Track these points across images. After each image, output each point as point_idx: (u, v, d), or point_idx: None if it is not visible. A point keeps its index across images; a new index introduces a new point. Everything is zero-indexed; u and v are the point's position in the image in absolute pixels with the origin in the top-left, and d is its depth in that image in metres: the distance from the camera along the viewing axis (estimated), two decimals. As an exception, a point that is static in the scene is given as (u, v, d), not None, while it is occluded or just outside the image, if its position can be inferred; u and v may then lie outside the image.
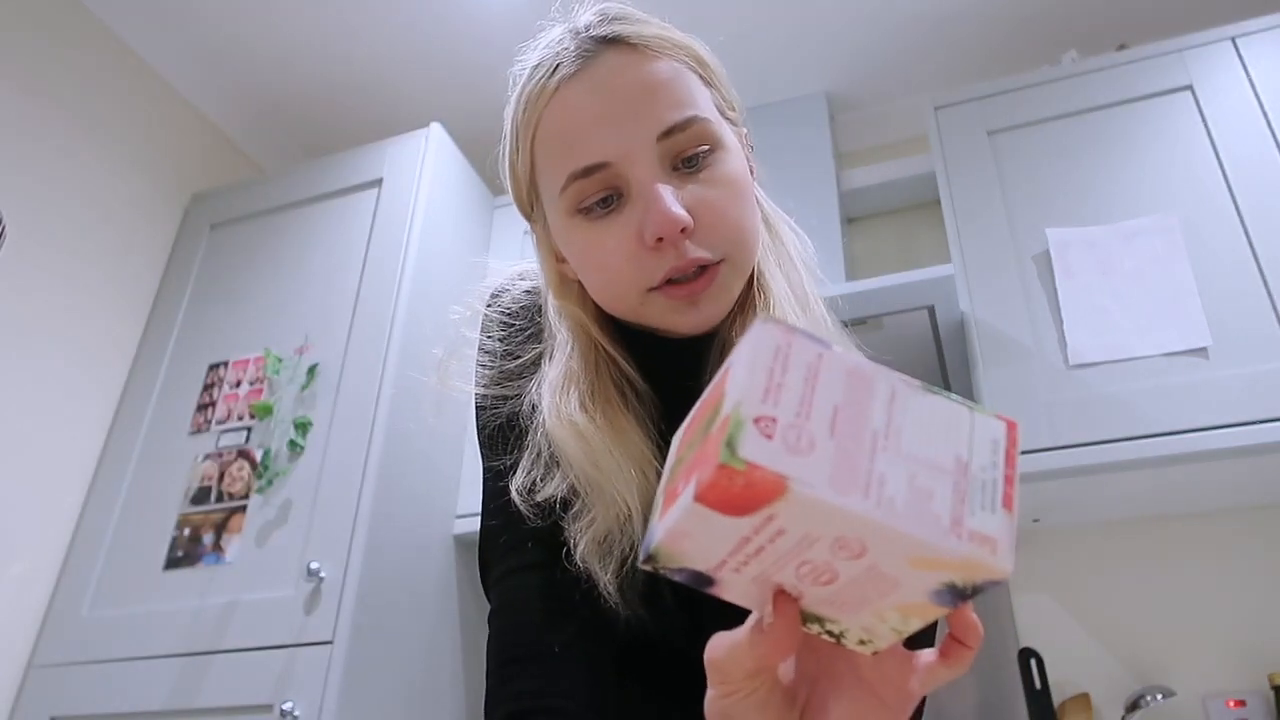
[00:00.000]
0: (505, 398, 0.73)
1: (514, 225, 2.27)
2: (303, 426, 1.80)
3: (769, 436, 0.33)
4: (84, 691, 1.68)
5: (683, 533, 0.37)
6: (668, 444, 0.64)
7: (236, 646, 1.61)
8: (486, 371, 0.75)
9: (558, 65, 0.65)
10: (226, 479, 1.81)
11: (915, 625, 0.39)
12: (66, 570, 1.85)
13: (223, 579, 1.70)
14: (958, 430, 0.37)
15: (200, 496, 1.82)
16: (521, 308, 0.78)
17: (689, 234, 0.62)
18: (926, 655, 0.45)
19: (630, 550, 0.63)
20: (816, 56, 2.34)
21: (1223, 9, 2.10)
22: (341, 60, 2.37)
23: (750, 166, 0.72)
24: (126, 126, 2.19)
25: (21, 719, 1.70)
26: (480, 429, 0.76)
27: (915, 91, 2.40)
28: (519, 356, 0.74)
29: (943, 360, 1.86)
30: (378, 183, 2.09)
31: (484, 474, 0.75)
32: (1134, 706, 1.59)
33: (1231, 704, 1.60)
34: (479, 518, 0.76)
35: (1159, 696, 1.57)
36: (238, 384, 1.94)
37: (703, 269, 0.64)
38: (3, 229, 1.84)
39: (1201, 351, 1.52)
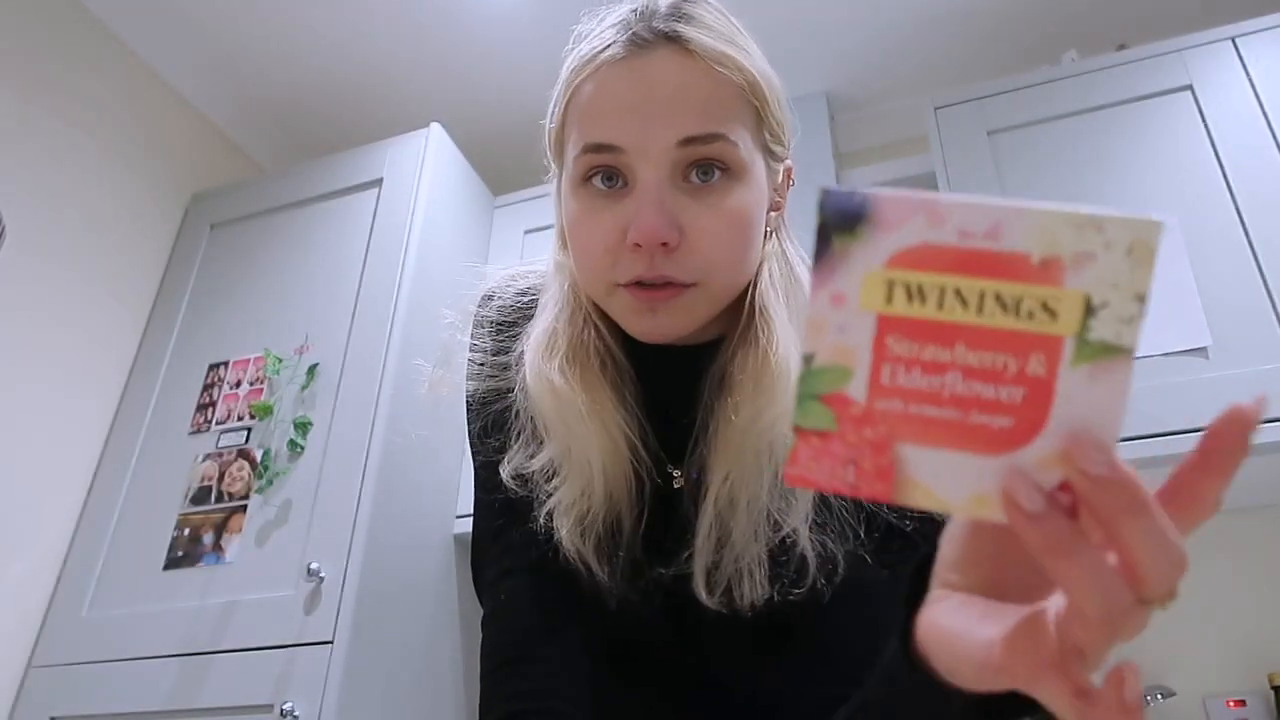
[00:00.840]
0: (497, 391, 0.74)
1: (514, 225, 2.27)
2: (303, 426, 1.80)
3: None
4: (84, 691, 1.68)
5: None
6: (648, 428, 0.66)
7: (236, 646, 1.61)
8: (478, 368, 0.76)
9: (611, 43, 0.65)
10: (226, 479, 1.81)
11: None
12: (66, 570, 1.85)
13: (223, 579, 1.70)
14: None
15: (200, 496, 1.82)
16: (513, 308, 0.78)
17: (670, 250, 0.62)
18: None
19: (600, 514, 0.65)
20: (816, 56, 2.34)
21: (1223, 9, 2.10)
22: (341, 60, 2.37)
23: (776, 203, 0.72)
24: (126, 126, 2.19)
25: (21, 719, 1.70)
26: (470, 425, 0.77)
27: (915, 91, 2.40)
28: (510, 352, 0.75)
29: (943, 360, 1.86)
30: (378, 183, 2.09)
31: (475, 473, 0.76)
32: (1134, 706, 1.59)
33: (1231, 704, 1.60)
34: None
35: (1159, 696, 1.57)
36: (238, 384, 1.94)
37: (669, 284, 0.63)
38: (2, 229, 1.84)
39: (1201, 351, 1.52)
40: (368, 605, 1.60)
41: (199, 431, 1.91)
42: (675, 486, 0.68)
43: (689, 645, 0.67)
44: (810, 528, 0.64)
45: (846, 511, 0.65)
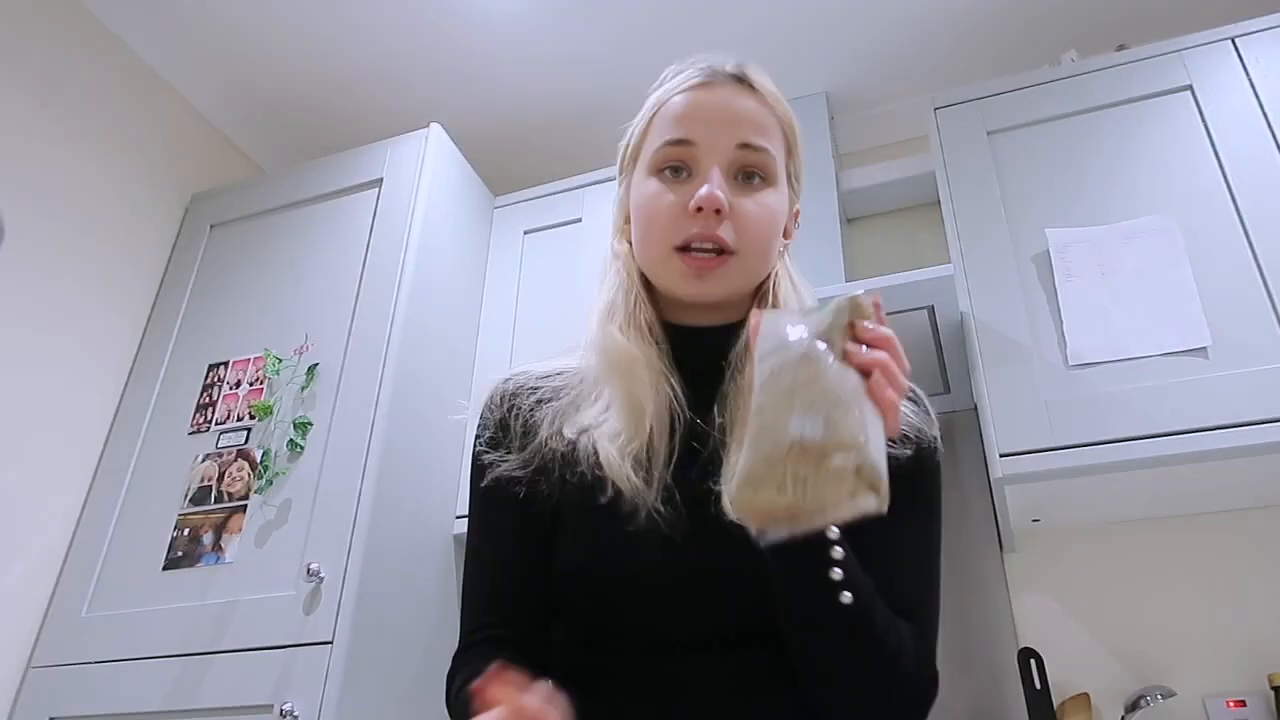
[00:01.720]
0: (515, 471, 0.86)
1: (514, 225, 2.27)
2: (303, 426, 1.80)
3: None
4: (84, 691, 1.68)
5: None
6: (681, 385, 0.82)
7: (236, 647, 1.61)
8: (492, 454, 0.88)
9: (695, 78, 0.86)
10: (226, 479, 1.81)
11: None
12: (66, 571, 1.85)
13: (222, 579, 1.70)
14: None
15: (200, 497, 1.82)
16: (534, 384, 0.90)
17: (722, 216, 0.79)
18: None
19: (644, 441, 0.78)
20: (816, 56, 2.34)
21: (1223, 9, 2.10)
22: (341, 60, 2.37)
23: (788, 229, 0.90)
24: (126, 126, 2.19)
25: (21, 719, 1.70)
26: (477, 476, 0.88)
27: (915, 91, 2.40)
28: (533, 417, 0.87)
29: (943, 360, 1.86)
30: (378, 183, 2.09)
31: (471, 525, 0.88)
32: (1134, 706, 1.59)
33: (1231, 704, 1.60)
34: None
35: (1159, 696, 1.57)
36: (238, 384, 1.94)
37: (718, 254, 0.80)
38: (2, 229, 1.83)
39: (1201, 351, 1.52)
40: (368, 605, 1.60)
41: (199, 431, 1.91)
42: (712, 428, 0.79)
43: (708, 550, 0.76)
44: None
45: None
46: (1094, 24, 2.23)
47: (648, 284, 0.87)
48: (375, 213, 2.04)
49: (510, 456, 0.84)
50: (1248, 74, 1.73)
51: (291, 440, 1.79)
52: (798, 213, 0.93)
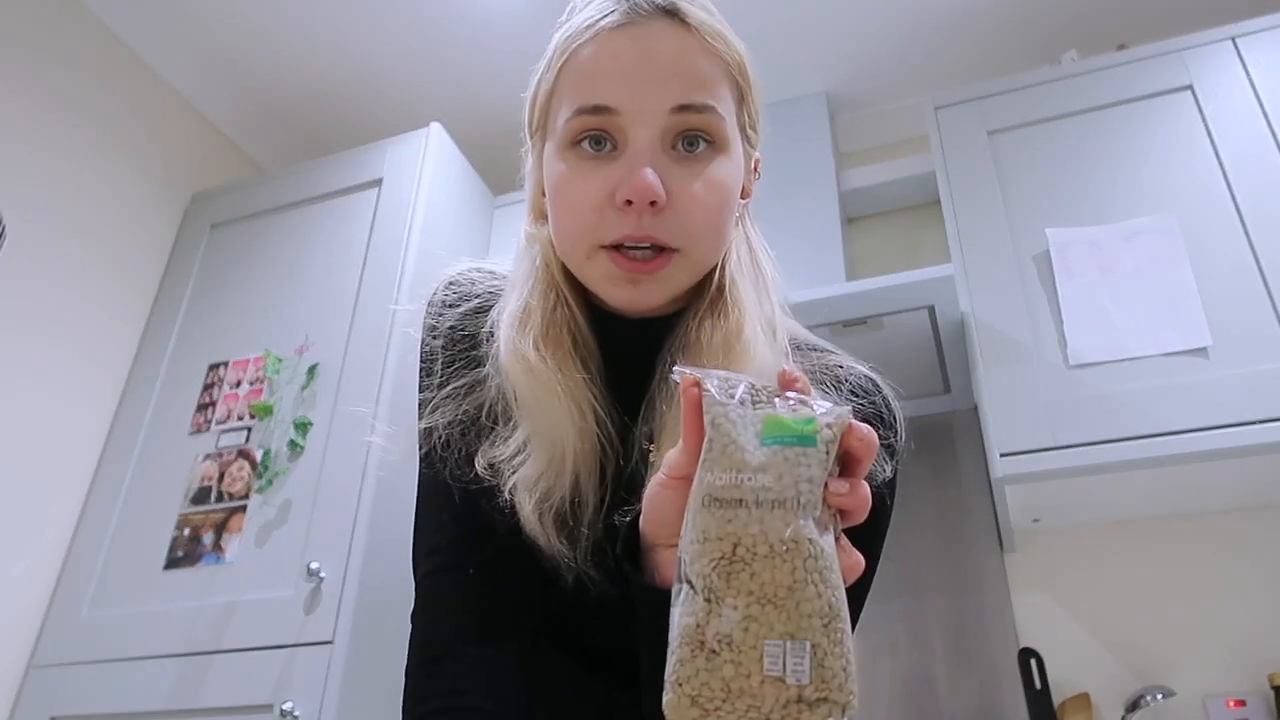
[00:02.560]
0: (460, 364, 0.75)
1: (514, 225, 2.26)
2: (303, 426, 1.80)
3: None
4: (84, 691, 1.68)
5: None
6: (609, 399, 0.67)
7: (236, 646, 1.61)
8: (439, 347, 0.78)
9: (610, 12, 0.66)
10: (226, 479, 1.81)
11: None
12: (66, 570, 1.85)
13: (223, 579, 1.70)
14: None
15: (200, 496, 1.82)
16: (484, 292, 0.78)
17: (657, 209, 0.63)
18: None
19: (566, 490, 0.66)
20: (816, 56, 2.34)
21: (1223, 9, 2.10)
22: (341, 60, 2.37)
23: (746, 188, 0.73)
24: (126, 126, 2.19)
25: (21, 719, 1.70)
26: (424, 394, 0.77)
27: (915, 91, 2.40)
28: (478, 333, 0.75)
29: (943, 360, 1.86)
30: (378, 183, 2.09)
31: (420, 464, 0.76)
32: (1134, 706, 1.59)
33: (1231, 704, 1.60)
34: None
35: (1159, 696, 1.57)
36: (238, 384, 1.94)
37: (657, 253, 0.64)
38: (3, 229, 1.84)
39: (1201, 351, 1.52)
40: (368, 605, 1.60)
41: (199, 431, 1.91)
42: (651, 459, 0.67)
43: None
44: None
45: None
46: (1094, 24, 2.23)
47: (568, 272, 0.71)
48: (375, 212, 2.04)
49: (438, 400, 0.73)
50: (1248, 74, 1.73)
51: (291, 440, 1.79)
52: (758, 163, 0.75)
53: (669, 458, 0.51)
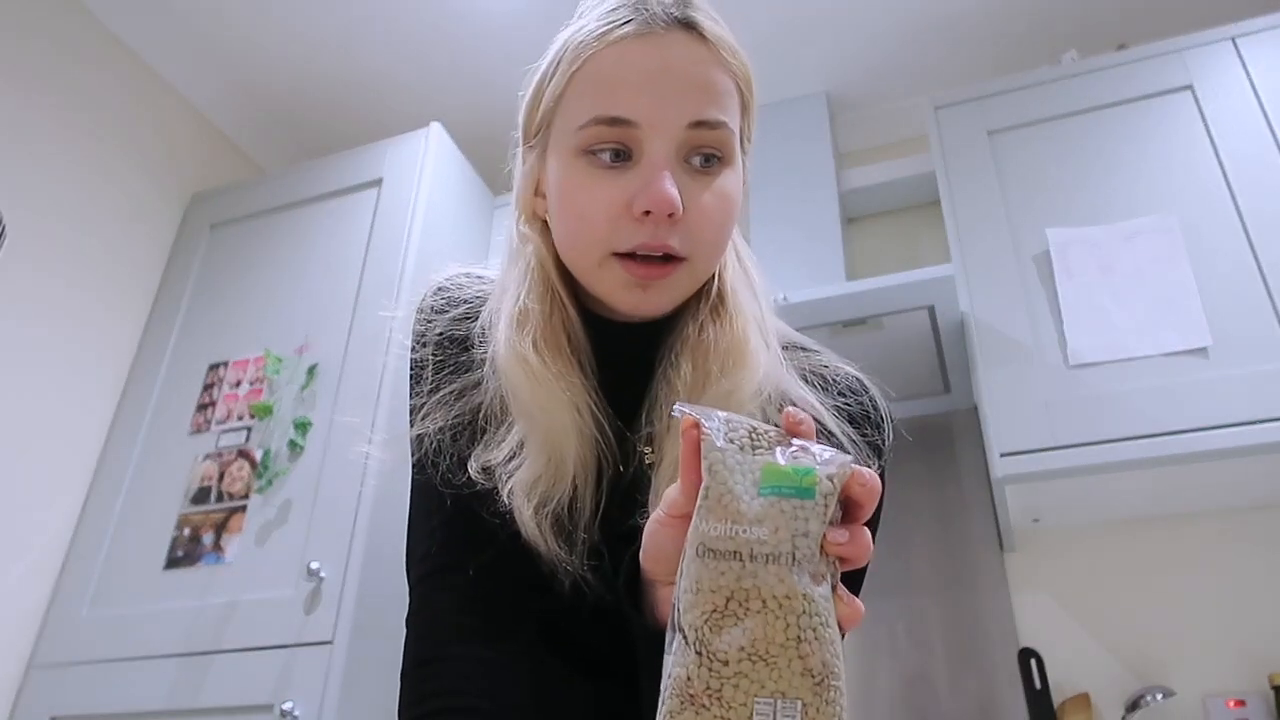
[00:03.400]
0: (450, 369, 0.75)
1: (514, 225, 2.27)
2: (303, 426, 1.80)
3: None
4: (84, 691, 1.68)
5: None
6: (605, 402, 0.69)
7: (236, 646, 1.61)
8: (429, 352, 0.77)
9: (629, 20, 0.66)
10: (226, 479, 1.81)
11: None
12: (66, 570, 1.85)
13: (223, 579, 1.70)
14: None
15: (200, 496, 1.82)
16: (473, 298, 0.78)
17: (674, 220, 0.64)
18: None
19: (564, 493, 0.66)
20: (816, 56, 2.34)
21: (1223, 9, 2.10)
22: (341, 60, 2.37)
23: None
24: (126, 126, 2.19)
25: (21, 719, 1.70)
26: (415, 400, 0.76)
27: (915, 91, 2.40)
28: (468, 338, 0.75)
29: (943, 360, 1.86)
30: (378, 183, 2.09)
31: (412, 469, 0.76)
32: (1134, 706, 1.59)
33: (1231, 704, 1.60)
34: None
35: (1159, 696, 1.57)
36: (238, 384, 1.94)
37: (666, 260, 0.65)
38: (3, 229, 1.84)
39: (1201, 351, 1.52)
40: (368, 605, 1.60)
41: (199, 431, 1.91)
42: (646, 463, 0.68)
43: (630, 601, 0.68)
44: None
45: None
46: (1094, 24, 2.23)
47: (563, 273, 0.71)
48: (375, 212, 2.04)
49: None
50: (1248, 74, 1.73)
51: (291, 440, 1.79)
52: (748, 169, 0.76)
53: (668, 495, 0.51)
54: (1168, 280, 1.59)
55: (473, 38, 2.29)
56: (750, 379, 0.67)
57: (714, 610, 0.44)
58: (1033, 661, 1.70)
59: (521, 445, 0.67)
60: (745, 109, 0.70)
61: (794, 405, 0.67)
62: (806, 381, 0.72)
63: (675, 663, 0.45)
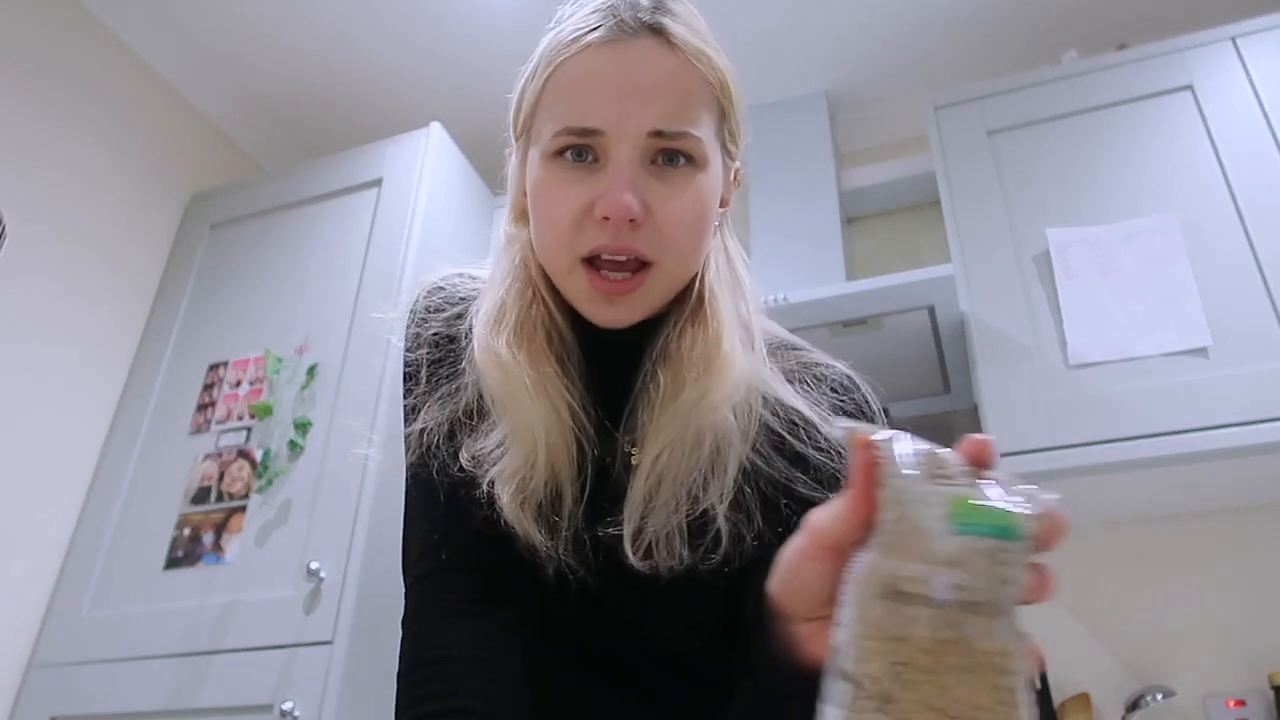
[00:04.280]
0: (444, 368, 0.76)
1: (514, 225, 2.27)
2: (303, 426, 1.80)
3: None
4: (84, 691, 1.68)
5: None
6: (589, 400, 0.70)
7: (236, 646, 1.61)
8: (424, 351, 0.78)
9: (597, 27, 0.67)
10: (226, 479, 1.81)
11: None
12: (66, 570, 1.85)
13: (223, 579, 1.70)
14: None
15: (200, 496, 1.82)
16: (465, 296, 0.79)
17: (635, 226, 0.65)
18: None
19: (542, 483, 0.67)
20: (816, 56, 2.33)
21: (1223, 9, 2.10)
22: (341, 60, 2.37)
23: (725, 198, 0.74)
24: (126, 126, 2.19)
25: (21, 719, 1.70)
26: (409, 399, 0.78)
27: (915, 91, 2.40)
28: (459, 337, 0.76)
29: (943, 360, 1.86)
30: (378, 183, 2.09)
31: (407, 471, 0.77)
32: (1134, 706, 1.59)
33: (1231, 704, 1.60)
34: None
35: (1159, 696, 1.57)
36: (238, 384, 1.94)
37: (636, 267, 0.66)
38: (3, 229, 1.84)
39: (1201, 351, 1.52)
40: (368, 605, 1.60)
41: (199, 431, 1.91)
42: (632, 462, 0.69)
43: (623, 607, 0.69)
44: (729, 507, 0.67)
45: (765, 499, 0.68)
46: (1094, 24, 2.23)
47: (546, 271, 0.72)
48: (375, 212, 2.04)
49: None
50: (1248, 74, 1.73)
51: (291, 440, 1.79)
52: (738, 172, 0.76)
53: (815, 522, 0.44)
54: (1168, 280, 1.59)
55: (473, 38, 2.29)
56: (721, 385, 0.67)
57: (904, 662, 0.39)
58: (1033, 661, 1.70)
59: (506, 437, 0.69)
60: (723, 114, 0.70)
61: (778, 405, 0.69)
62: (798, 380, 0.72)
63: (849, 717, 0.39)
